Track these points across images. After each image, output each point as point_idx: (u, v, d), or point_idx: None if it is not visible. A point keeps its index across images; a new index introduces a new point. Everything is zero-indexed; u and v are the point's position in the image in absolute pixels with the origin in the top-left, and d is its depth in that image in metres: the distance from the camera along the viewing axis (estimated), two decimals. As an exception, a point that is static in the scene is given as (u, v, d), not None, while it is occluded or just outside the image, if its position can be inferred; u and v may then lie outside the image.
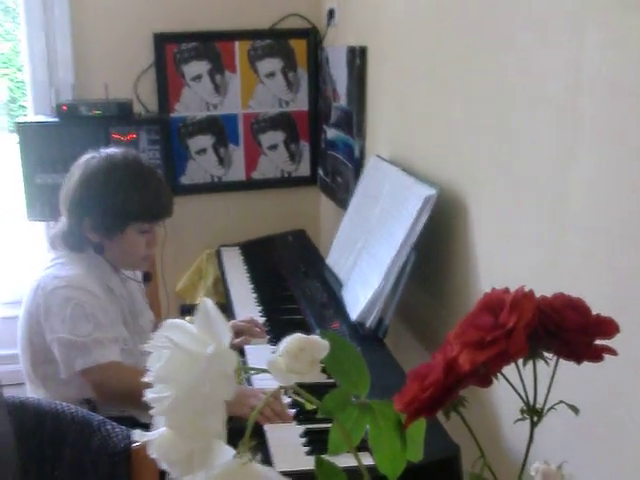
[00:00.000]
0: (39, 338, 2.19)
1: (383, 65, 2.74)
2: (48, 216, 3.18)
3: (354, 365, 0.77)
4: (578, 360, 0.73)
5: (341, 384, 0.75)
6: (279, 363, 0.64)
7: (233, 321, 2.48)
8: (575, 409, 0.75)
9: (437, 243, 2.17)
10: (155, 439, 0.70)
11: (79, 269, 2.22)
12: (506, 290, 0.76)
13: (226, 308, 2.82)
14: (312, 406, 0.71)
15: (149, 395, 0.67)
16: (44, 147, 3.11)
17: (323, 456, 0.78)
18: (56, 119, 3.16)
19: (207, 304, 0.66)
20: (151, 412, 0.68)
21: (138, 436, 0.70)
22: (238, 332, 2.40)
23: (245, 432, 0.70)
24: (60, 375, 2.14)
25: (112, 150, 2.32)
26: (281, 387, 0.70)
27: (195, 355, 0.64)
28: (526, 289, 0.75)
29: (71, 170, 2.29)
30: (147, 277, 2.57)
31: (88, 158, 2.27)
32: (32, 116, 3.36)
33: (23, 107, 5.88)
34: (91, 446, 1.67)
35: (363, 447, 0.79)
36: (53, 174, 3.11)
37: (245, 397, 1.89)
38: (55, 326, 2.12)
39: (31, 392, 2.30)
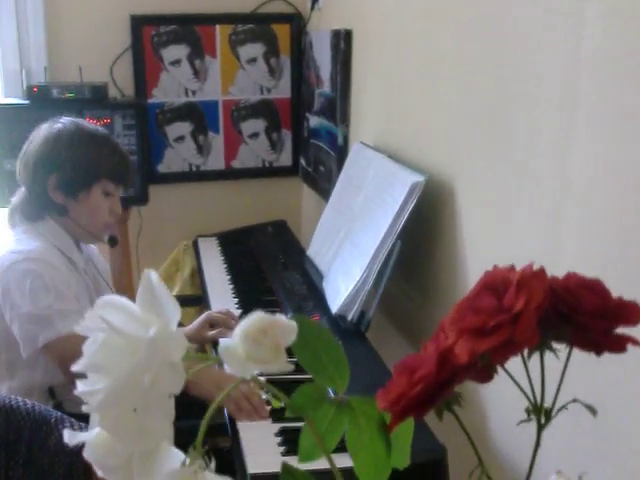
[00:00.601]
0: (0, 322, 2.07)
1: (369, 49, 2.63)
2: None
3: (331, 355, 0.65)
4: (597, 350, 0.62)
5: (315, 377, 0.63)
6: (236, 349, 0.52)
7: (209, 312, 2.40)
8: (592, 409, 0.64)
9: (423, 233, 2.07)
10: (90, 440, 0.58)
11: (39, 242, 2.13)
12: (511, 268, 0.64)
13: (202, 300, 2.71)
14: (280, 403, 0.59)
15: (80, 387, 0.55)
16: (13, 131, 2.96)
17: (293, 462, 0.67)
18: (26, 101, 3.03)
19: (151, 276, 0.55)
20: (83, 408, 0.56)
21: (68, 436, 0.58)
22: (213, 324, 2.32)
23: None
24: (22, 356, 2.02)
25: (73, 118, 2.30)
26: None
27: (134, 338, 0.52)
28: (535, 266, 0.63)
29: (31, 137, 2.24)
30: (113, 240, 2.48)
31: (50, 123, 2.24)
32: (1, 98, 3.21)
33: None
34: (48, 445, 1.54)
35: (341, 447, 0.68)
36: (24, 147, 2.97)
37: (225, 381, 1.77)
38: (15, 301, 2.01)
39: None
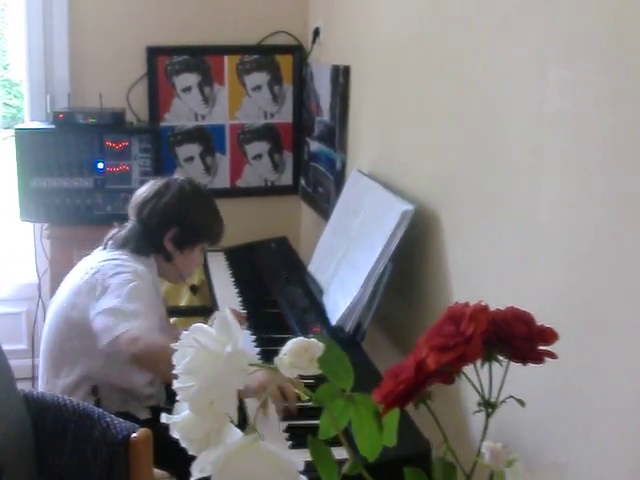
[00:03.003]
0: (79, 314, 2.35)
1: (365, 84, 2.89)
2: (42, 218, 3.32)
3: (341, 364, 0.93)
4: (523, 362, 0.90)
5: (330, 379, 0.91)
6: (284, 360, 0.81)
7: (217, 311, 2.68)
8: (521, 402, 0.92)
9: (413, 255, 2.31)
10: (178, 421, 0.85)
11: (140, 266, 2.45)
12: (466, 304, 0.92)
13: (212, 311, 2.97)
14: (306, 397, 0.87)
15: (175, 385, 0.82)
16: (40, 152, 3.24)
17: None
18: (52, 126, 3.29)
19: (225, 313, 0.82)
20: (177, 398, 0.83)
21: (165, 418, 0.86)
22: None
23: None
24: (97, 345, 2.26)
25: (192, 180, 2.71)
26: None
27: (216, 353, 0.79)
28: (483, 303, 0.91)
29: (156, 187, 2.58)
30: (195, 289, 2.97)
31: (173, 179, 2.63)
32: (28, 122, 3.49)
33: (7, 105, 5.96)
34: (92, 437, 1.81)
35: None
36: (48, 178, 3.26)
37: (267, 381, 1.89)
38: (108, 299, 2.28)
39: (45, 375, 2.48)
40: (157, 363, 2.30)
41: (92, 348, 2.31)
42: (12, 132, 3.36)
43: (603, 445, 1.38)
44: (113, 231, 2.57)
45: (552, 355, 0.90)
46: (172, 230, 2.54)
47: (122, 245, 2.51)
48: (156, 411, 2.53)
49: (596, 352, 1.41)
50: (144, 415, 2.48)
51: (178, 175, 2.73)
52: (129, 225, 2.56)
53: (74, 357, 2.41)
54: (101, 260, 2.44)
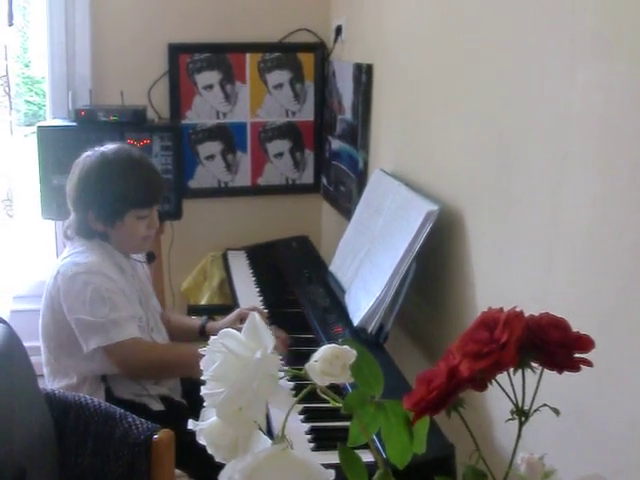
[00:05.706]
0: (63, 317, 2.38)
1: (388, 83, 2.87)
2: (63, 215, 3.30)
3: (371, 370, 0.91)
4: (559, 370, 0.88)
5: (360, 386, 0.89)
6: (315, 367, 0.79)
7: (240, 308, 2.72)
8: (556, 411, 0.89)
9: (437, 256, 2.30)
10: (205, 428, 0.83)
11: (95, 256, 2.43)
12: (500, 310, 0.90)
13: (232, 310, 2.96)
14: (337, 404, 0.85)
15: (204, 391, 0.81)
16: (62, 150, 3.22)
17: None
18: (74, 123, 3.29)
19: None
20: (205, 404, 0.81)
21: (192, 425, 0.84)
22: (243, 318, 2.61)
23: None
24: (82, 351, 2.34)
25: (106, 147, 2.53)
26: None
27: (245, 359, 0.78)
28: (517, 309, 0.89)
29: (72, 169, 2.52)
30: (150, 257, 2.77)
31: (84, 157, 2.50)
32: (50, 119, 3.49)
33: (29, 102, 5.97)
34: (113, 437, 1.80)
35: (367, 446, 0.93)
36: (69, 175, 3.24)
37: None
38: (75, 306, 2.33)
39: (50, 378, 2.48)
40: (149, 376, 2.47)
41: (81, 353, 2.35)
42: (33, 129, 3.35)
43: None
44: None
45: (588, 363, 0.88)
46: (89, 213, 2.45)
47: (68, 237, 2.54)
48: (170, 403, 2.54)
49: (626, 358, 1.39)
50: (157, 407, 2.48)
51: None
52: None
53: (69, 364, 2.43)
54: (62, 258, 2.48)
